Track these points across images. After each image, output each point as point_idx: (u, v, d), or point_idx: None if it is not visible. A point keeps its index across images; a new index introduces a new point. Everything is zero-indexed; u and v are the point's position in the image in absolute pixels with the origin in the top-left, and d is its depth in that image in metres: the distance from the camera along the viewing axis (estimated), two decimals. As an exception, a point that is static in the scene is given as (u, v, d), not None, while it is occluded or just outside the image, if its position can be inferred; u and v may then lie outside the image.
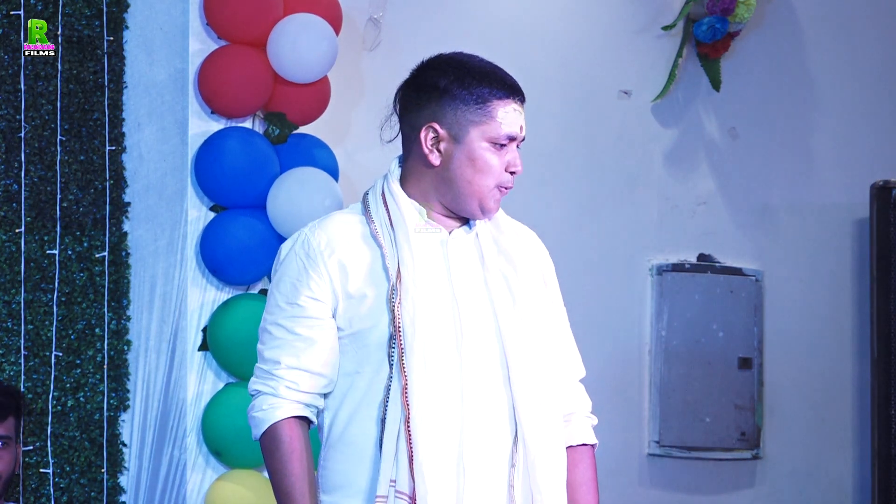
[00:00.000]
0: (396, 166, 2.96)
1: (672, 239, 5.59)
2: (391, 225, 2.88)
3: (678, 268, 5.55)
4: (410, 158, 2.93)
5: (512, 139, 2.88)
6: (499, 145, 2.87)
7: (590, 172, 5.46)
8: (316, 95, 4.63)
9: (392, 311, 2.82)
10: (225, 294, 4.57)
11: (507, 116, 2.87)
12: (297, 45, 4.49)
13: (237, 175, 4.47)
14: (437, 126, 2.88)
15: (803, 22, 5.80)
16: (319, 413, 2.92)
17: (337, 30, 4.62)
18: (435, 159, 2.89)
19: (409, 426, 2.77)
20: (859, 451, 5.78)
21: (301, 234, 2.93)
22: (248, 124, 4.61)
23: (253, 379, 2.96)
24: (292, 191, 4.43)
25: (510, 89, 2.90)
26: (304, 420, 2.90)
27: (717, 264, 5.63)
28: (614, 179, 5.50)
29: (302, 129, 4.67)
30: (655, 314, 5.53)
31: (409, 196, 2.91)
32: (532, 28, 5.36)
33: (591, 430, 3.06)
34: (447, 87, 2.88)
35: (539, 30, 5.37)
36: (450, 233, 2.91)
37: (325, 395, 2.91)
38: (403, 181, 2.93)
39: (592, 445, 3.05)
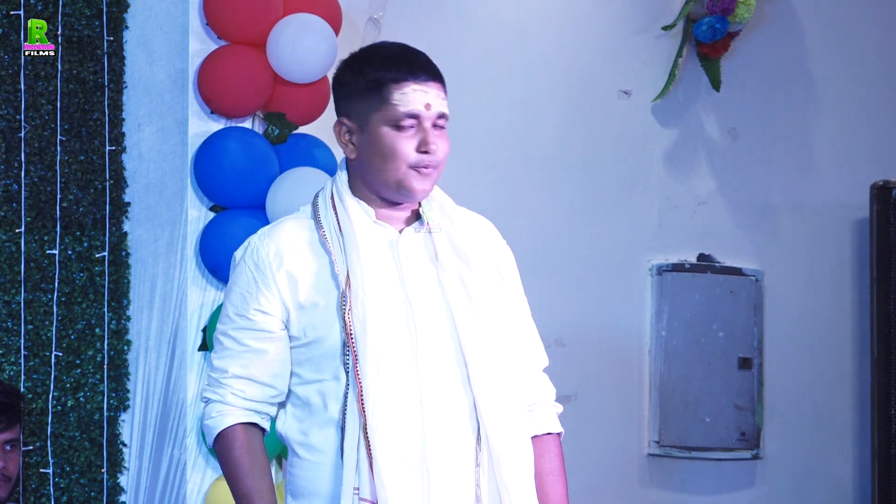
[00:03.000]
0: (343, 168, 2.95)
1: (672, 239, 5.59)
2: (340, 230, 2.86)
3: (678, 268, 5.55)
4: (346, 157, 2.96)
5: (413, 117, 2.84)
6: (404, 127, 2.84)
7: (590, 172, 5.46)
8: (316, 95, 4.63)
9: (343, 319, 2.81)
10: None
11: (405, 97, 2.83)
12: (296, 45, 4.49)
13: (237, 175, 4.47)
14: (345, 119, 2.89)
15: (803, 22, 5.80)
16: (273, 420, 2.93)
17: (337, 30, 4.62)
18: (351, 152, 2.89)
19: (367, 433, 2.76)
20: (859, 451, 5.78)
21: (251, 243, 2.92)
22: (247, 124, 4.61)
23: (204, 386, 2.97)
24: (292, 191, 4.44)
25: (407, 69, 2.85)
26: (256, 426, 2.90)
27: (717, 264, 5.63)
28: (614, 179, 5.50)
29: (302, 129, 4.67)
30: (655, 314, 5.53)
31: (358, 197, 2.91)
32: (532, 28, 5.36)
33: (556, 418, 3.02)
34: (346, 80, 2.90)
35: (539, 30, 5.37)
36: (400, 231, 2.90)
37: (280, 405, 2.92)
38: (351, 182, 2.92)
39: (558, 434, 3.00)
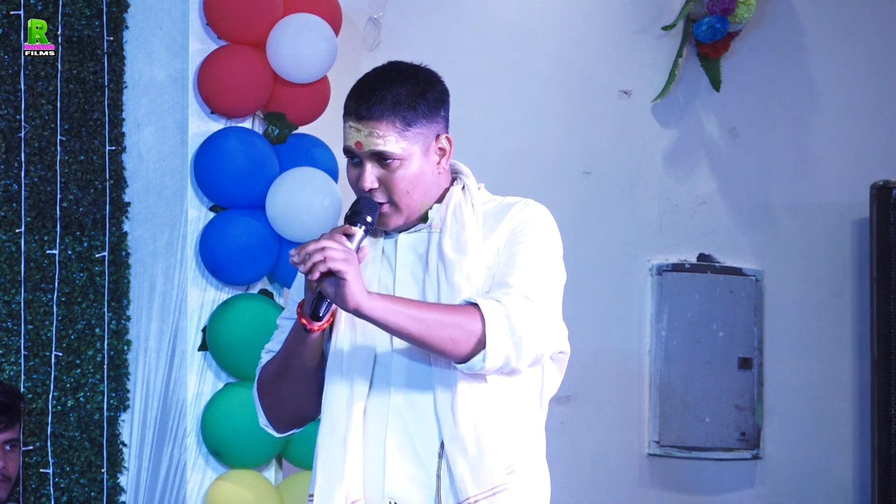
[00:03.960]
0: None
1: (672, 239, 5.59)
2: None
3: (678, 268, 5.55)
4: None
5: (349, 152, 2.87)
6: (350, 159, 2.88)
7: (590, 172, 5.46)
8: (316, 95, 4.63)
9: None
10: (225, 294, 4.57)
11: (345, 132, 2.88)
12: (296, 45, 4.49)
13: (237, 175, 4.47)
14: None
15: (803, 22, 5.80)
16: None
17: (337, 30, 4.63)
18: None
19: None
20: (859, 451, 5.78)
21: None
22: (247, 124, 4.61)
23: None
24: (292, 191, 4.44)
25: (352, 103, 2.88)
26: None
27: (717, 264, 5.63)
28: (614, 179, 5.50)
29: (302, 129, 4.67)
30: (655, 314, 5.53)
31: None
32: (532, 28, 5.36)
33: (488, 301, 2.76)
34: None
35: (539, 30, 5.37)
36: (409, 231, 2.91)
37: None
38: None
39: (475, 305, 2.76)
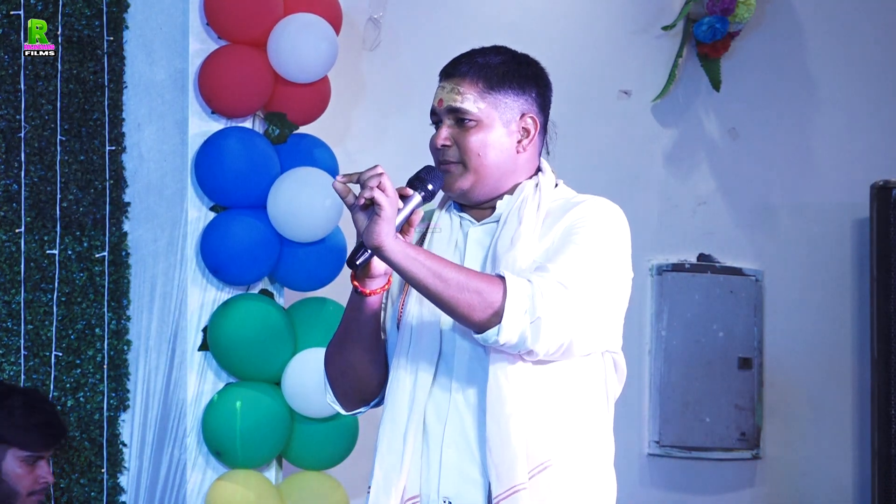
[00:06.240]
0: None
1: (672, 239, 5.59)
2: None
3: (678, 268, 5.55)
4: None
5: (432, 113, 2.89)
6: (434, 124, 2.89)
7: (590, 172, 5.46)
8: (316, 95, 4.63)
9: (395, 305, 2.88)
10: (225, 294, 4.57)
11: (434, 95, 2.90)
12: (297, 45, 4.49)
13: (237, 175, 4.47)
14: None
15: (803, 22, 5.80)
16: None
17: (337, 30, 4.63)
18: None
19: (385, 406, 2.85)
20: (859, 451, 5.78)
21: None
22: (248, 124, 4.61)
23: None
24: (292, 191, 4.44)
25: (443, 68, 2.91)
26: None
27: (717, 264, 5.63)
28: (614, 179, 5.50)
29: (302, 129, 4.67)
30: (655, 314, 5.53)
31: None
32: (532, 28, 5.36)
33: (517, 278, 2.73)
34: None
35: (539, 30, 5.37)
36: (481, 223, 2.90)
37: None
38: None
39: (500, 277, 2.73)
